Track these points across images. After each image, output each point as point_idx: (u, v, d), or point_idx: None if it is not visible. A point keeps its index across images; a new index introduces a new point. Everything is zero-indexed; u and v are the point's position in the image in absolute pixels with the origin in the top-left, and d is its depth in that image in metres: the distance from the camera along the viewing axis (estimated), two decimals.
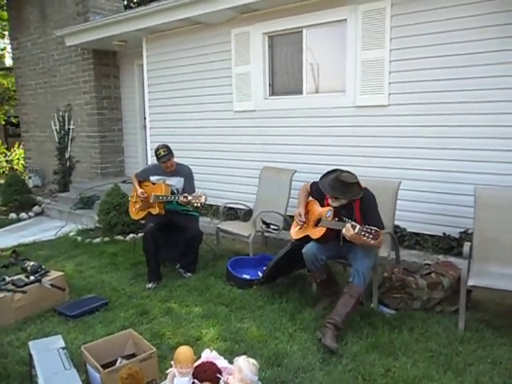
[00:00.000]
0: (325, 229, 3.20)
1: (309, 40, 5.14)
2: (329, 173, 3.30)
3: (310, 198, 3.55)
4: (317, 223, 3.31)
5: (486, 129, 4.02)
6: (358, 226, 2.90)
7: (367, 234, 2.83)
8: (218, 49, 5.85)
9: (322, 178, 3.31)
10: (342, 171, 3.18)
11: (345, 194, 3.09)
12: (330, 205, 3.24)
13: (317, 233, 3.26)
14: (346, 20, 4.71)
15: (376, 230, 2.83)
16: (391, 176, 4.33)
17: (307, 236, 3.35)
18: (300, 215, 3.42)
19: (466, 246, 3.21)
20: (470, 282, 3.00)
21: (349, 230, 2.93)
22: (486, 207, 3.40)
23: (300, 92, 5.28)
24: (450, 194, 4.26)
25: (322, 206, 3.37)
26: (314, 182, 3.50)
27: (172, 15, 5.71)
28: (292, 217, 4.70)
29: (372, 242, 2.86)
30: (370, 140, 4.69)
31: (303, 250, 3.29)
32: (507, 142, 3.92)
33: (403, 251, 4.27)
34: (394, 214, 3.81)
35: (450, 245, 4.28)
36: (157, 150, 4.21)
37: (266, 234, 4.96)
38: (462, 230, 4.18)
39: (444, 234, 4.34)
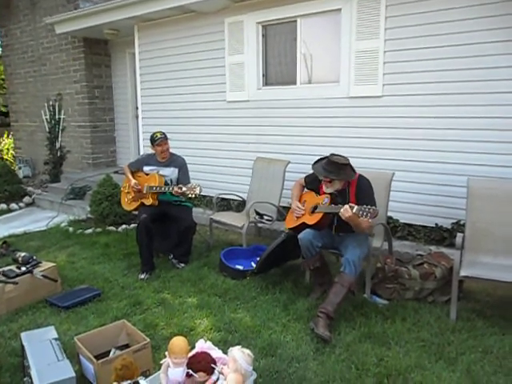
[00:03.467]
0: (321, 214, 3.23)
1: (303, 30, 5.09)
2: (320, 159, 3.36)
3: (306, 190, 3.57)
4: (313, 211, 3.33)
5: (479, 120, 4.03)
6: (356, 206, 2.93)
7: (365, 213, 2.87)
8: (211, 38, 5.78)
9: (314, 165, 3.35)
10: (334, 154, 3.22)
11: (338, 174, 3.13)
12: (325, 191, 3.28)
13: (313, 219, 3.28)
14: (340, 9, 4.67)
15: (373, 209, 2.87)
16: (384, 167, 4.34)
17: (302, 224, 3.36)
18: (298, 207, 3.44)
19: (459, 236, 3.23)
20: (463, 273, 3.02)
21: (347, 210, 2.95)
22: (478, 198, 3.43)
23: (294, 82, 5.25)
24: (442, 185, 4.28)
25: (318, 195, 3.39)
26: (308, 175, 3.56)
27: (164, 3, 5.62)
28: (285, 208, 4.71)
29: (370, 220, 2.92)
30: (364, 131, 4.68)
31: (299, 236, 3.30)
32: (500, 134, 3.94)
33: (396, 242, 4.30)
34: (387, 205, 3.82)
35: (442, 236, 4.31)
36: (153, 133, 4.22)
37: (260, 225, 4.96)
38: (455, 221, 4.21)
39: (436, 224, 4.36)
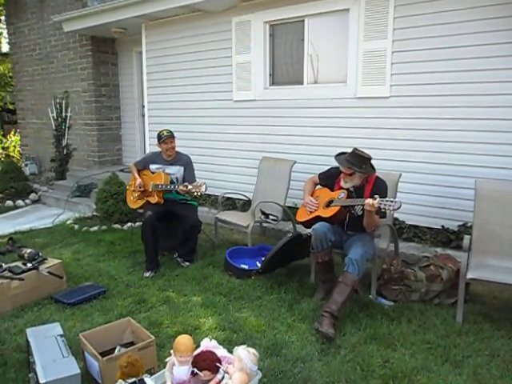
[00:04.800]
0: (337, 208, 3.25)
1: (310, 29, 5.08)
2: (342, 152, 3.41)
3: (318, 187, 3.58)
4: (328, 205, 3.35)
5: (486, 122, 4.00)
6: (379, 198, 2.95)
7: (387, 205, 2.89)
8: (218, 37, 5.78)
9: (337, 156, 3.38)
10: (357, 149, 3.27)
11: (360, 167, 3.19)
12: (342, 186, 3.31)
13: (329, 212, 3.30)
14: (348, 10, 4.66)
15: (396, 201, 2.90)
16: (391, 168, 4.31)
17: (315, 218, 3.37)
18: (311, 201, 3.47)
19: (466, 239, 3.20)
20: (469, 275, 3.00)
21: (370, 201, 2.96)
22: (486, 200, 3.40)
23: (301, 82, 5.24)
24: (449, 187, 4.26)
25: (332, 191, 3.42)
26: (322, 172, 3.61)
27: (172, 2, 5.62)
28: (291, 208, 4.71)
29: (393, 212, 3.01)
30: (371, 131, 4.66)
31: (313, 227, 3.31)
32: (508, 136, 3.90)
33: (402, 243, 4.27)
34: None
35: (449, 238, 4.28)
36: (160, 131, 4.23)
37: (265, 225, 4.95)
38: (461, 223, 4.19)
39: (443, 226, 4.34)
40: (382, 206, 2.92)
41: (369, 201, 2.97)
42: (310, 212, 3.47)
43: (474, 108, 4.06)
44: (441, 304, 3.34)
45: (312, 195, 3.58)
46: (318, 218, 3.36)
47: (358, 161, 3.20)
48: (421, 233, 4.48)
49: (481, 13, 3.91)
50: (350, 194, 3.28)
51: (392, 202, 2.90)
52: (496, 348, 2.75)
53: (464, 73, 4.06)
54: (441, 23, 4.11)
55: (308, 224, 3.45)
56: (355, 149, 3.26)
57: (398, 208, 2.90)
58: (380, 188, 3.25)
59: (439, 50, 4.15)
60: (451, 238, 4.26)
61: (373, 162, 4.22)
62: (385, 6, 4.37)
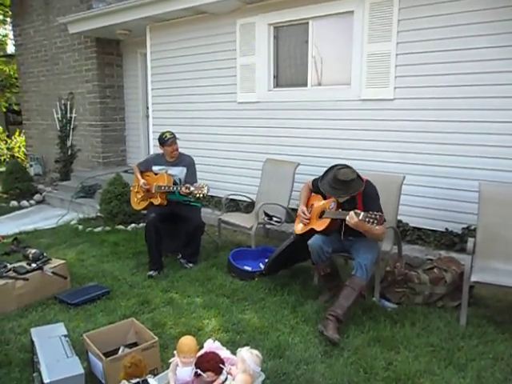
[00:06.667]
0: (329, 220, 3.20)
1: (315, 32, 5.09)
2: (326, 173, 3.27)
3: (313, 194, 3.56)
4: (321, 215, 3.31)
5: (491, 124, 3.99)
6: (362, 213, 2.90)
7: (371, 220, 2.85)
8: (222, 39, 5.80)
9: (321, 179, 3.27)
10: (339, 169, 3.12)
11: (347, 192, 3.09)
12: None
13: (321, 225, 3.26)
14: (352, 12, 4.66)
15: (380, 215, 2.84)
16: (395, 170, 4.31)
17: (310, 230, 3.34)
18: (304, 213, 3.43)
19: (470, 241, 3.20)
20: (473, 278, 2.99)
21: (352, 217, 2.93)
22: (490, 203, 3.39)
23: (305, 84, 5.24)
24: (453, 190, 4.24)
25: (325, 198, 3.38)
26: (315, 179, 3.53)
27: (177, 4, 5.65)
28: (294, 209, 4.70)
29: (376, 227, 2.90)
30: (375, 134, 4.66)
31: (309, 242, 3.27)
32: None
33: (405, 246, 4.26)
34: (397, 209, 3.79)
35: (453, 240, 4.27)
36: (162, 134, 4.24)
37: (268, 226, 4.95)
38: (465, 226, 4.17)
39: (446, 229, 4.33)
40: (366, 221, 2.87)
41: (351, 215, 2.91)
42: (304, 224, 3.45)
43: (478, 110, 4.04)
44: (444, 307, 3.34)
45: (308, 203, 3.53)
46: (314, 231, 3.32)
47: (342, 186, 3.05)
48: (424, 235, 4.48)
49: (486, 15, 3.91)
50: (342, 203, 3.20)
51: (375, 215, 2.83)
52: (500, 351, 2.74)
53: (469, 75, 4.05)
54: (446, 25, 4.11)
55: (304, 236, 3.39)
56: (337, 170, 3.09)
57: (382, 224, 2.87)
58: (370, 196, 3.17)
59: (444, 52, 4.15)
60: (455, 240, 4.25)
61: (377, 163, 4.21)
62: (389, 8, 4.37)
